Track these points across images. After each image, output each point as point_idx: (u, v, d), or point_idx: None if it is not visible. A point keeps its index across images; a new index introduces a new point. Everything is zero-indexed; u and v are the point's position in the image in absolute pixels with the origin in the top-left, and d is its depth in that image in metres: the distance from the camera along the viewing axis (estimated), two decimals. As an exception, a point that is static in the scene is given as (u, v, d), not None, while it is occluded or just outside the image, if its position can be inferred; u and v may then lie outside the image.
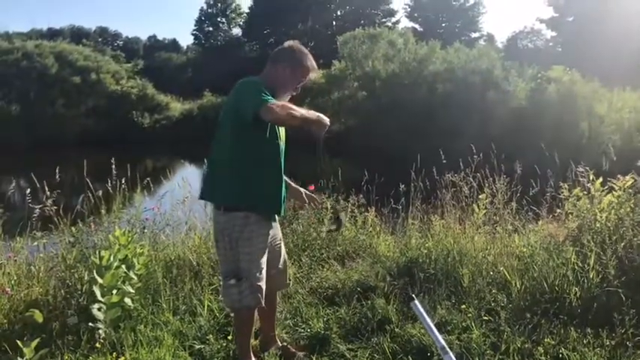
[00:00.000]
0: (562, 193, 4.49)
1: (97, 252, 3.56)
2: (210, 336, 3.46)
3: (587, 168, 4.49)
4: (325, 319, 3.71)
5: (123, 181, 5.07)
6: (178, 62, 55.11)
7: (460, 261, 4.33)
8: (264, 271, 2.98)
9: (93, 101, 30.23)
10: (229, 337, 3.45)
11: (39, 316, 3.20)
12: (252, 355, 3.13)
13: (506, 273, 3.99)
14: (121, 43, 69.93)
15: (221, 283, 3.20)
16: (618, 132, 17.04)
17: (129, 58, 50.97)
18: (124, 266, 3.56)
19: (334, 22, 49.45)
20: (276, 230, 3.20)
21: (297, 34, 41.75)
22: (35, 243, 4.27)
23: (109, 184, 5.00)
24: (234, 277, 2.93)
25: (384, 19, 48.80)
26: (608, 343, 3.13)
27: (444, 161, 5.72)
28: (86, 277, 3.60)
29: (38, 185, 4.47)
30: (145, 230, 4.73)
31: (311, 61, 3.05)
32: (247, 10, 53.14)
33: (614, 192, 4.15)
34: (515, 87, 20.47)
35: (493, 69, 21.19)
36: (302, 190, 3.40)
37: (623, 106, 18.51)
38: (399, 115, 20.51)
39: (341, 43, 27.77)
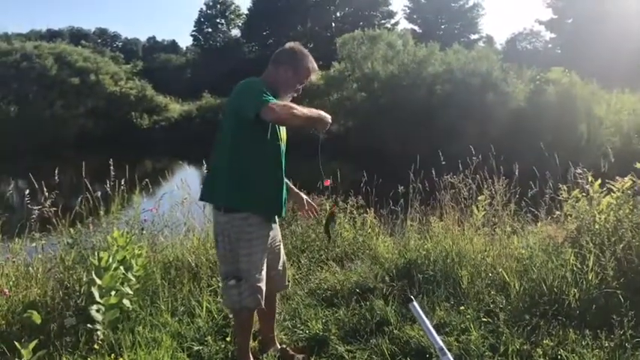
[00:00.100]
0: (561, 194, 4.50)
1: (96, 253, 3.56)
2: (209, 337, 3.46)
3: (586, 169, 4.50)
4: (324, 320, 3.71)
5: (122, 182, 5.06)
6: (177, 63, 55.12)
7: (459, 262, 4.33)
8: (263, 273, 2.98)
9: (92, 102, 30.20)
10: (228, 339, 3.45)
11: (37, 318, 3.20)
12: (251, 357, 3.13)
13: (505, 274, 3.99)
14: (120, 44, 70.10)
15: (220, 284, 3.20)
16: (617, 134, 17.07)
17: (128, 60, 51.04)
18: (122, 267, 3.56)
19: (333, 24, 49.44)
20: (277, 231, 3.20)
21: (296, 35, 41.74)
22: (34, 244, 4.27)
23: (108, 185, 5.00)
24: (233, 278, 2.92)
25: (383, 21, 48.76)
26: (606, 344, 3.13)
27: (443, 162, 5.72)
28: (84, 279, 3.60)
29: (37, 186, 4.46)
30: (144, 231, 4.72)
31: (312, 63, 3.06)
32: (246, 12, 53.16)
33: (612, 194, 4.16)
34: (514, 88, 20.49)
35: (492, 70, 21.19)
36: (303, 195, 3.38)
37: (621, 108, 18.55)
38: (398, 117, 20.50)
39: (340, 45, 27.75)
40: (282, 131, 3.02)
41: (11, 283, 3.77)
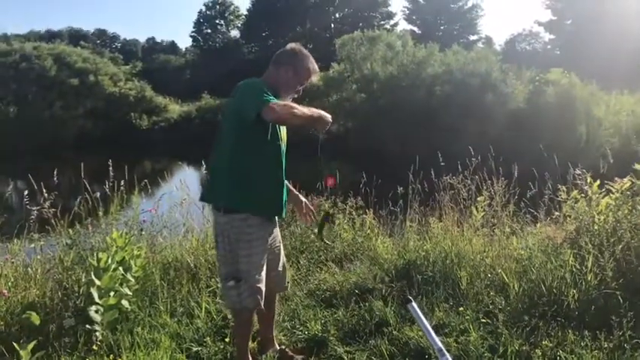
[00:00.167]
0: (560, 195, 4.50)
1: (95, 254, 3.56)
2: (208, 338, 3.45)
3: (585, 170, 4.50)
4: (323, 321, 3.71)
5: (121, 183, 5.06)
6: (177, 64, 55.16)
7: (458, 263, 4.33)
8: (263, 273, 2.98)
9: (91, 103, 30.22)
10: (227, 340, 3.45)
11: (36, 319, 3.20)
12: (250, 358, 3.13)
13: (504, 275, 3.99)
14: (120, 45, 70.14)
15: (219, 285, 3.19)
16: (616, 135, 17.09)
17: (127, 60, 51.11)
18: (121, 268, 3.56)
19: (332, 25, 49.42)
20: (277, 232, 3.20)
21: (296, 36, 41.79)
22: (32, 245, 4.26)
23: (107, 186, 5.00)
24: (233, 278, 2.92)
25: (382, 22, 48.76)
26: (605, 345, 3.13)
27: (442, 163, 5.72)
28: (83, 279, 3.60)
29: (36, 187, 4.46)
30: (143, 232, 4.72)
31: (313, 64, 3.07)
32: (245, 13, 53.19)
33: (611, 194, 4.16)
34: (513, 89, 20.50)
35: (491, 71, 21.19)
36: (302, 198, 3.37)
37: (620, 109, 18.58)
38: (397, 118, 20.51)
39: (339, 46, 27.75)
40: (283, 131, 3.02)
41: (10, 283, 3.76)
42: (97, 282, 3.33)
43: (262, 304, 2.99)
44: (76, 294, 3.61)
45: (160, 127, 30.74)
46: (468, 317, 3.58)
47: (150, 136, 29.17)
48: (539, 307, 3.62)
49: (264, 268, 2.99)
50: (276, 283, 3.22)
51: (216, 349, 3.35)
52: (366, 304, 3.85)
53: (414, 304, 2.49)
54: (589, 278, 3.65)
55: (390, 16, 51.63)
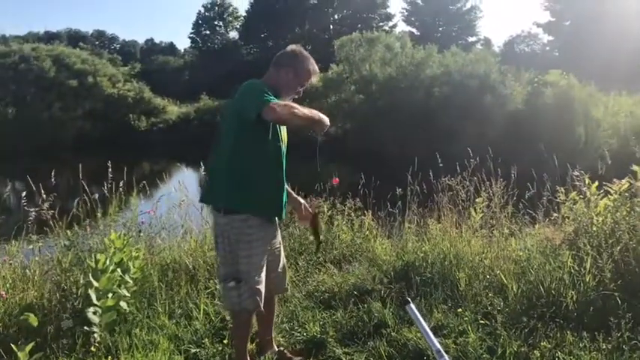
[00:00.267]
0: (558, 196, 4.50)
1: (93, 255, 3.55)
2: (206, 340, 3.45)
3: (584, 172, 4.50)
4: (321, 322, 3.71)
5: (119, 185, 5.06)
6: (175, 65, 55.13)
7: (457, 264, 4.33)
8: (263, 275, 2.97)
9: (90, 104, 30.22)
10: (225, 341, 3.45)
11: (34, 320, 3.19)
12: (248, 359, 3.12)
13: (502, 277, 3.99)
14: (118, 46, 70.05)
15: (218, 286, 3.19)
16: (614, 136, 17.11)
17: (126, 62, 51.04)
18: (119, 270, 3.55)
19: (331, 26, 49.44)
20: (277, 234, 3.20)
21: (295, 37, 41.77)
22: (31, 246, 4.26)
23: (105, 187, 4.99)
24: (233, 279, 2.92)
25: (381, 23, 48.79)
26: (604, 346, 3.13)
27: (441, 165, 5.72)
28: (81, 281, 3.59)
29: (34, 188, 4.46)
30: (141, 234, 4.72)
31: (313, 65, 3.07)
32: (244, 14, 53.20)
33: (610, 196, 4.16)
34: (512, 91, 20.53)
35: (490, 73, 21.20)
36: (301, 200, 3.35)
37: (619, 111, 18.60)
38: (396, 119, 20.51)
39: (338, 47, 27.76)
40: (283, 132, 3.03)
41: (8, 285, 3.76)
42: (95, 283, 3.32)
43: (262, 305, 2.98)
44: (74, 295, 3.61)
45: (159, 129, 30.75)
46: (466, 318, 3.58)
47: (148, 138, 29.18)
48: (538, 308, 3.62)
49: (264, 269, 2.99)
50: (276, 285, 3.22)
51: (215, 350, 3.35)
52: (365, 305, 3.85)
53: (413, 306, 2.49)
54: (587, 279, 3.65)
55: (389, 17, 51.68)
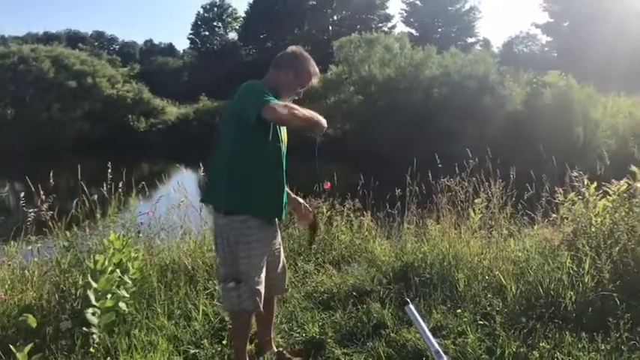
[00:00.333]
0: (557, 197, 4.50)
1: (92, 256, 3.55)
2: (205, 340, 3.45)
3: (582, 172, 4.50)
4: (320, 323, 3.71)
5: (118, 185, 5.05)
6: (174, 66, 55.16)
7: (456, 265, 4.33)
8: (262, 275, 2.98)
9: (89, 105, 30.23)
10: (224, 342, 3.45)
11: (32, 321, 3.19)
12: (247, 360, 3.13)
13: (501, 277, 3.99)
14: (117, 47, 69.97)
15: (217, 287, 3.19)
16: (613, 137, 17.11)
17: (125, 63, 50.99)
18: (118, 270, 3.55)
19: (330, 27, 49.44)
20: (276, 235, 3.20)
21: (294, 38, 41.76)
22: (29, 247, 4.26)
23: (104, 188, 4.99)
24: (233, 280, 2.92)
25: (380, 24, 48.81)
26: (603, 347, 3.13)
27: (440, 165, 5.72)
28: (80, 282, 3.59)
29: (33, 189, 4.45)
30: (140, 234, 4.71)
31: (313, 67, 3.07)
32: (243, 15, 53.22)
33: (608, 196, 4.17)
34: (510, 92, 20.54)
35: (489, 74, 21.22)
36: (300, 200, 3.35)
37: (617, 111, 18.60)
38: (395, 120, 20.51)
39: (337, 48, 27.76)
40: (283, 133, 3.03)
41: (7, 286, 3.76)
42: (94, 284, 3.32)
43: (261, 306, 2.99)
44: (73, 296, 3.60)
45: (158, 130, 30.75)
46: (465, 319, 3.58)
47: (147, 139, 29.19)
48: (537, 309, 3.62)
49: (264, 270, 2.99)
50: (276, 286, 3.22)
51: (214, 351, 3.35)
52: (364, 306, 3.85)
53: (412, 306, 2.50)
54: (586, 280, 3.66)
55: (388, 18, 51.70)
